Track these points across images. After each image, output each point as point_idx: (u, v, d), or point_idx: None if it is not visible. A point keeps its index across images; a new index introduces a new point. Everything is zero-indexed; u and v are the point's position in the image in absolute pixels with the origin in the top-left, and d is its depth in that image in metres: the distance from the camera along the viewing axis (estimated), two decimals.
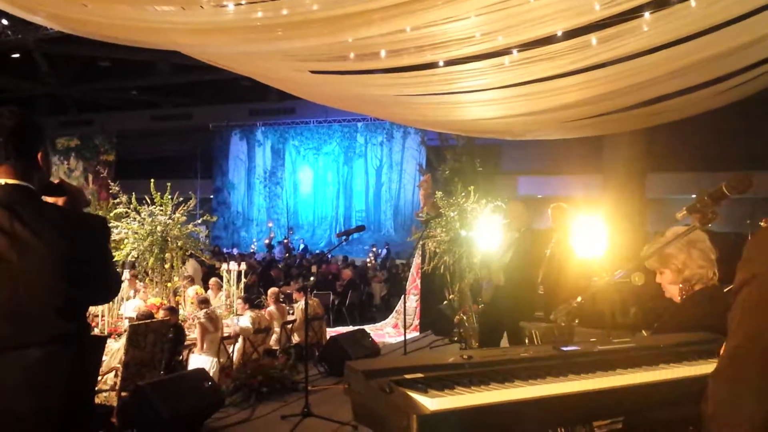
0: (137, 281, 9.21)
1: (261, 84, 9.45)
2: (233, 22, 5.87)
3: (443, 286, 10.33)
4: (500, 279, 6.38)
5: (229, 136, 28.14)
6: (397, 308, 12.33)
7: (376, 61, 7.04)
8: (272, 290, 9.86)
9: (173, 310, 7.58)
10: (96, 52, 20.56)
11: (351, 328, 11.17)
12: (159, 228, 8.24)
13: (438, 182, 13.56)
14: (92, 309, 7.61)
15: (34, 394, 2.10)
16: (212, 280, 10.31)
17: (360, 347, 8.28)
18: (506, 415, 1.80)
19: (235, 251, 22.95)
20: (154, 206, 8.33)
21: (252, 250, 24.15)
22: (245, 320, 8.38)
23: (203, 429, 5.91)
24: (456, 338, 9.63)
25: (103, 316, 7.96)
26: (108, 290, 2.48)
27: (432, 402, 1.68)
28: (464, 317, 9.26)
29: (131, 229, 8.17)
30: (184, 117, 27.89)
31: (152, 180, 8.54)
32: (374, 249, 22.74)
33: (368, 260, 20.41)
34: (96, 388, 5.55)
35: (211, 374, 6.71)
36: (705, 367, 2.10)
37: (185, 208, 8.52)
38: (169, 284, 8.52)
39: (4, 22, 17.26)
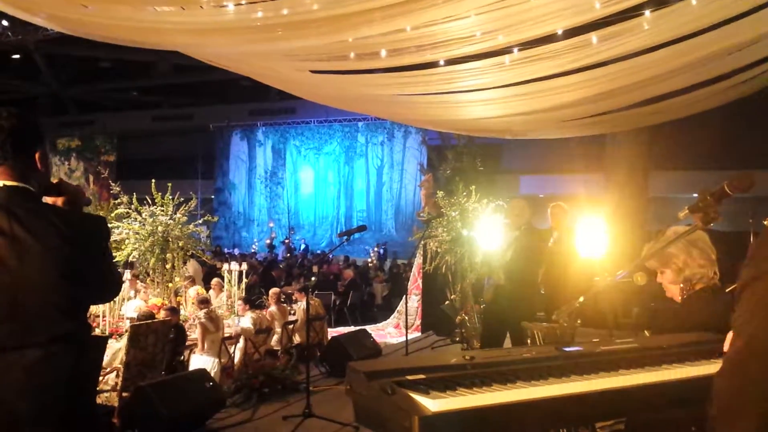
0: (138, 281, 9.21)
1: (261, 84, 9.44)
2: (233, 22, 5.86)
3: (445, 286, 10.31)
4: (500, 278, 6.37)
5: (230, 137, 28.15)
6: (398, 308, 12.32)
7: (377, 61, 7.03)
8: (273, 290, 9.85)
9: (174, 311, 7.58)
10: (96, 53, 20.59)
11: (352, 328, 11.17)
12: (160, 228, 8.24)
13: (439, 182, 13.55)
14: (93, 309, 7.61)
15: (35, 394, 2.10)
16: (214, 281, 10.31)
17: (361, 348, 8.28)
18: (508, 417, 1.80)
19: (236, 251, 22.97)
20: (155, 207, 8.33)
21: (253, 250, 24.15)
22: (246, 321, 8.38)
23: (204, 429, 5.90)
24: (458, 338, 9.61)
25: (104, 316, 7.95)
26: (108, 290, 2.48)
27: (434, 403, 1.68)
28: (466, 317, 9.25)
29: (132, 229, 8.17)
30: (185, 117, 27.91)
31: (153, 180, 8.54)
32: (376, 249, 22.74)
33: (369, 260, 20.40)
34: (97, 389, 5.54)
35: (212, 374, 6.70)
36: (708, 367, 2.10)
37: (186, 208, 8.52)
38: (170, 284, 8.52)
39: (5, 23, 17.27)
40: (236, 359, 8.08)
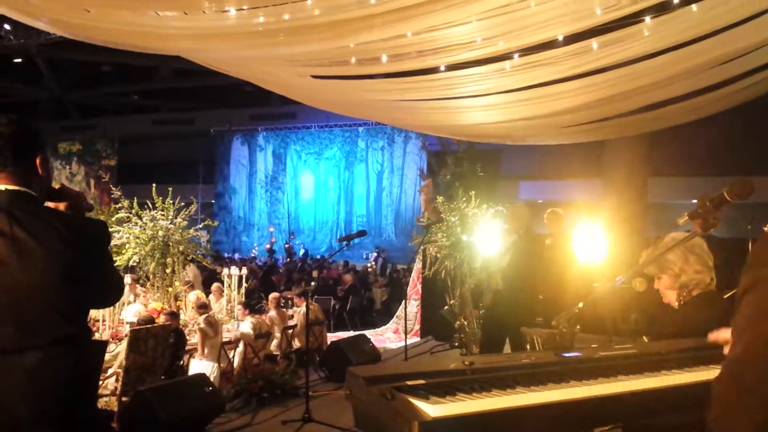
0: (138, 286, 9.21)
1: (262, 89, 9.47)
2: (235, 27, 5.88)
3: (444, 291, 10.31)
4: (498, 283, 6.38)
5: (231, 141, 28.18)
6: (397, 313, 12.30)
7: (378, 66, 7.05)
8: (273, 295, 9.85)
9: (174, 315, 7.58)
10: (98, 57, 20.63)
11: (352, 333, 11.16)
12: (160, 233, 8.25)
13: (439, 187, 13.57)
14: (93, 313, 7.61)
15: (35, 397, 2.10)
16: (214, 286, 10.31)
17: (361, 352, 8.27)
18: (508, 422, 1.80)
19: (236, 256, 22.96)
20: (155, 211, 8.34)
21: (253, 255, 24.15)
22: (246, 325, 8.37)
23: None
24: (457, 344, 9.61)
25: (103, 320, 7.96)
26: (110, 294, 2.49)
27: (433, 408, 1.68)
28: (465, 322, 9.25)
29: (133, 233, 8.18)
30: (186, 122, 27.95)
31: (154, 185, 8.55)
32: (376, 254, 22.72)
33: (369, 265, 20.39)
34: (97, 393, 5.54)
35: (211, 379, 6.70)
36: (706, 373, 2.10)
37: (187, 212, 8.53)
38: (170, 289, 8.53)
39: (7, 27, 17.32)
40: (235, 364, 8.07)
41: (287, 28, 5.80)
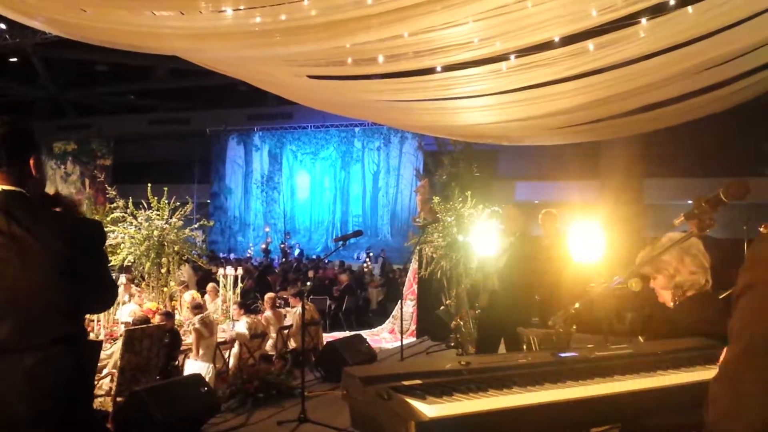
0: (133, 286, 9.19)
1: (259, 89, 9.46)
2: (232, 27, 5.88)
3: (440, 291, 10.31)
4: (494, 283, 6.38)
5: (227, 141, 28.14)
6: (393, 313, 12.30)
7: (374, 67, 7.05)
8: (269, 295, 9.83)
9: (169, 315, 7.57)
10: (94, 56, 20.59)
11: (348, 333, 11.15)
12: (156, 233, 8.23)
13: (435, 187, 13.54)
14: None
15: (34, 397, 2.12)
16: (209, 286, 10.29)
17: (357, 352, 8.26)
18: (505, 422, 1.80)
19: (231, 256, 22.93)
20: (151, 211, 8.32)
21: (248, 255, 24.13)
22: (241, 325, 8.36)
23: None
24: (453, 344, 9.61)
25: (98, 320, 7.93)
26: (106, 295, 2.50)
27: (430, 409, 1.68)
28: (461, 323, 9.25)
29: (128, 233, 8.16)
30: (182, 121, 27.89)
31: (149, 184, 8.54)
32: (367, 254, 22.72)
33: (365, 265, 20.39)
34: (93, 393, 5.52)
35: (207, 380, 6.68)
36: (703, 374, 2.11)
37: (182, 212, 8.51)
38: (165, 289, 8.51)
39: (2, 26, 17.25)
40: (231, 364, 8.06)
41: (284, 28, 5.80)
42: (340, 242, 7.15)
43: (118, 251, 8.08)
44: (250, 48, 6.50)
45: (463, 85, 7.48)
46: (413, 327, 11.23)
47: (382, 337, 11.66)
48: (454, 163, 15.23)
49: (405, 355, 8.40)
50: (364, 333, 10.61)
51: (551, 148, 13.79)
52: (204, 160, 28.07)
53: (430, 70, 7.32)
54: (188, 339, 7.84)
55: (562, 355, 2.19)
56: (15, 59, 21.76)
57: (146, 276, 8.43)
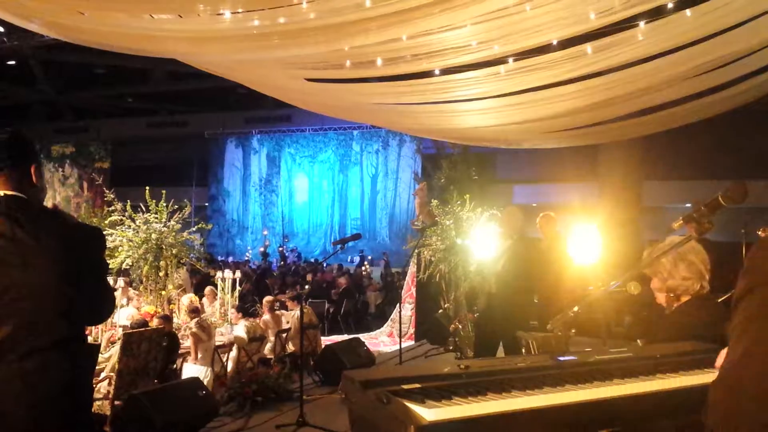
0: (130, 289, 9.18)
1: (257, 92, 9.46)
2: (230, 30, 5.87)
3: (438, 294, 10.31)
4: (492, 286, 6.37)
5: (225, 144, 28.13)
6: (392, 317, 12.30)
7: (373, 70, 7.04)
8: (267, 299, 9.83)
9: (167, 319, 7.56)
10: (92, 59, 20.53)
11: (346, 336, 11.14)
12: (154, 236, 8.22)
13: (433, 190, 13.57)
14: None
15: (33, 402, 2.13)
16: (207, 289, 10.28)
17: (355, 356, 8.25)
18: (504, 426, 1.80)
19: (230, 259, 22.91)
20: (149, 214, 8.31)
21: (246, 258, 24.11)
22: (240, 329, 8.35)
23: None
24: (451, 347, 9.61)
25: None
26: (104, 302, 2.51)
27: (429, 412, 1.68)
28: (460, 326, 9.25)
29: (126, 236, 8.15)
30: (180, 124, 27.84)
31: (147, 187, 8.53)
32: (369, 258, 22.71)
33: (363, 268, 20.37)
34: (92, 396, 5.52)
35: (205, 383, 6.67)
36: (702, 377, 2.10)
37: (180, 215, 8.50)
38: (163, 292, 8.50)
39: (0, 29, 17.25)
40: (229, 368, 8.05)
41: (282, 31, 5.80)
42: (339, 245, 7.15)
43: (116, 254, 8.07)
44: (248, 51, 6.49)
45: (461, 88, 7.48)
46: (412, 330, 11.22)
47: (381, 341, 11.65)
48: (453, 166, 15.26)
49: (404, 358, 8.39)
50: (363, 336, 10.60)
51: (549, 150, 13.79)
52: (202, 163, 28.05)
53: (428, 73, 7.32)
54: (186, 342, 7.83)
55: (562, 358, 2.19)
56: (13, 62, 21.72)
57: (144, 279, 8.42)
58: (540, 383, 1.95)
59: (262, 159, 27.93)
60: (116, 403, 5.97)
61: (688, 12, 5.70)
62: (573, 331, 2.46)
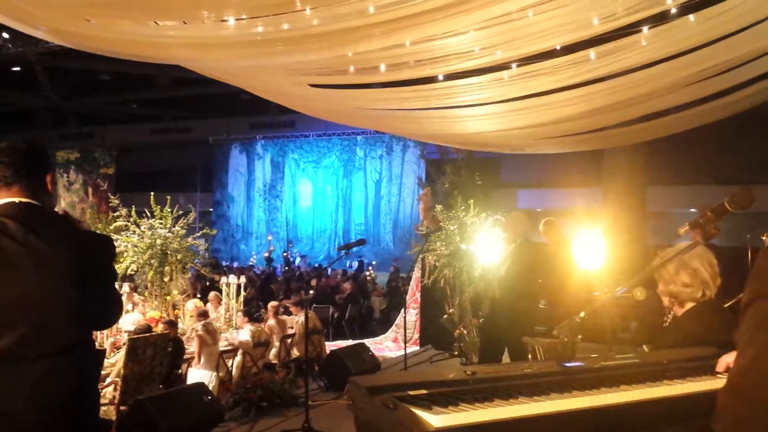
0: (135, 295, 9.20)
1: (261, 97, 9.48)
2: (234, 36, 5.89)
3: (443, 299, 10.31)
4: (496, 292, 6.37)
5: (229, 150, 28.17)
6: (397, 322, 12.29)
7: (376, 75, 7.06)
8: (272, 304, 9.84)
9: (172, 324, 7.57)
10: (96, 66, 20.62)
11: (350, 342, 11.14)
12: (158, 241, 8.24)
13: (438, 195, 13.55)
14: None
15: (42, 406, 2.18)
16: (211, 294, 10.29)
17: (360, 361, 8.25)
18: None
19: (235, 264, 22.91)
20: (153, 219, 8.33)
21: (251, 263, 24.12)
22: (245, 334, 8.36)
23: None
24: (456, 353, 9.60)
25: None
26: (112, 308, 2.56)
27: (436, 419, 1.68)
28: (465, 331, 9.24)
29: (131, 242, 8.18)
30: (184, 130, 27.90)
31: (152, 193, 8.55)
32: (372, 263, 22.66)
33: (368, 273, 20.34)
34: (99, 401, 5.54)
35: (210, 388, 6.68)
36: (710, 383, 2.10)
37: (185, 221, 8.52)
38: (168, 297, 8.51)
39: (5, 35, 17.33)
40: (234, 373, 8.05)
41: (286, 37, 5.81)
42: (344, 251, 7.15)
43: (121, 260, 8.09)
44: (252, 57, 6.51)
45: (464, 94, 7.48)
46: (416, 336, 11.21)
47: (386, 346, 11.65)
48: (457, 171, 15.23)
49: (408, 364, 8.38)
50: (368, 342, 10.60)
51: (553, 155, 13.77)
52: (206, 168, 28.10)
53: (431, 79, 7.33)
54: (191, 347, 7.84)
55: (568, 364, 2.19)
56: (18, 68, 21.81)
57: (149, 285, 8.43)
58: (547, 389, 1.95)
59: (266, 164, 27.96)
60: (122, 408, 5.97)
61: (691, 17, 5.69)
62: (579, 337, 2.46)
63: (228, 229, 27.66)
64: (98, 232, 2.79)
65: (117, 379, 6.30)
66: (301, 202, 27.59)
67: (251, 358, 8.21)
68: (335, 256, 23.16)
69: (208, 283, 12.20)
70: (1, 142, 2.43)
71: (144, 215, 8.38)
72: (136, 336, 6.59)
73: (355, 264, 22.22)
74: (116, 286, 2.73)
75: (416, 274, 11.34)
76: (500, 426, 1.76)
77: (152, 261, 8.27)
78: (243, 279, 10.36)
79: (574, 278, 5.98)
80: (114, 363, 6.72)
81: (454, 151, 15.20)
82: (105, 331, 7.95)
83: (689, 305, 2.84)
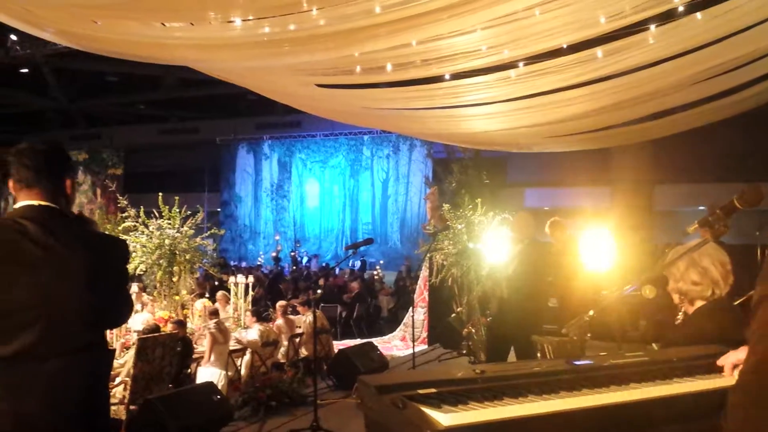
0: (144, 294, 9.23)
1: (268, 98, 9.50)
2: (241, 37, 5.91)
3: (451, 298, 10.30)
4: (503, 291, 6.36)
5: (236, 150, 28.21)
6: (404, 321, 12.30)
7: (383, 75, 7.06)
8: (280, 303, 9.86)
9: (181, 324, 7.60)
10: (104, 67, 20.69)
11: (359, 341, 11.15)
12: (167, 241, 8.27)
13: (445, 195, 13.55)
14: None
15: (55, 402, 2.22)
16: (219, 294, 10.32)
17: (368, 360, 8.26)
18: (520, 431, 1.80)
19: (243, 264, 22.95)
20: (162, 220, 8.36)
21: (259, 263, 24.16)
22: (253, 333, 8.39)
23: None
24: (465, 351, 9.59)
25: (111, 329, 7.96)
26: (123, 308, 2.61)
27: (446, 417, 1.68)
28: (473, 330, 9.23)
29: (139, 242, 8.21)
30: (192, 131, 27.96)
31: (160, 194, 8.58)
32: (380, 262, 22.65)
33: (375, 273, 20.35)
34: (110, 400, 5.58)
35: (219, 387, 6.70)
36: (719, 381, 2.10)
37: (193, 221, 8.55)
38: (176, 297, 8.54)
39: (13, 37, 17.43)
40: (243, 372, 8.08)
41: (292, 38, 5.83)
42: (351, 250, 7.16)
43: (130, 260, 8.11)
44: (258, 58, 6.53)
45: (471, 93, 7.48)
46: (424, 334, 11.22)
47: (394, 345, 11.67)
48: (464, 170, 15.22)
49: (417, 362, 8.39)
50: (376, 341, 10.61)
51: (561, 154, 13.74)
52: (214, 169, 28.15)
53: (438, 78, 7.33)
54: (200, 347, 7.86)
55: (577, 363, 2.18)
56: (26, 70, 21.91)
57: (158, 285, 8.46)
58: (556, 388, 1.95)
59: (274, 164, 27.99)
60: (131, 408, 6.00)
61: (698, 15, 5.68)
62: (588, 335, 2.46)
63: (236, 229, 27.71)
64: (113, 235, 2.84)
65: (126, 378, 6.32)
66: (308, 201, 27.62)
67: (260, 358, 8.24)
68: (342, 256, 23.18)
69: (216, 283, 12.25)
70: (22, 143, 2.45)
71: (152, 215, 8.41)
72: (145, 336, 6.62)
73: (358, 264, 22.20)
74: (128, 288, 2.79)
75: (424, 272, 11.35)
76: (510, 424, 1.76)
77: (161, 261, 8.29)
78: (251, 279, 10.40)
79: (582, 277, 5.97)
80: (123, 363, 6.76)
81: (461, 150, 15.20)
82: (114, 332, 7.99)
83: (699, 303, 2.84)
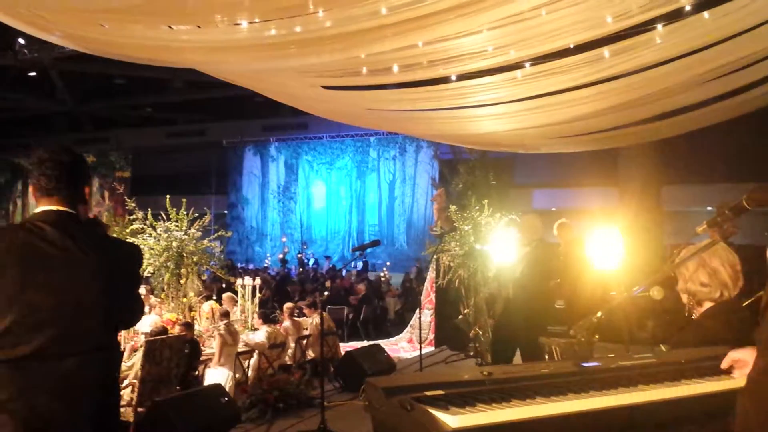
0: (152, 297, 9.25)
1: (274, 100, 9.51)
2: (247, 39, 5.92)
3: (458, 300, 10.27)
4: (510, 292, 6.35)
5: (243, 152, 28.28)
6: (411, 323, 12.28)
7: (389, 76, 7.06)
8: (288, 305, 9.87)
9: (189, 326, 7.61)
10: (111, 70, 20.75)
11: (365, 342, 11.14)
12: (174, 243, 8.29)
13: (452, 196, 13.54)
14: None
15: (68, 402, 2.28)
16: (226, 296, 10.33)
17: (375, 362, 8.25)
18: None
19: (250, 266, 22.99)
20: (169, 222, 8.38)
21: (266, 265, 24.20)
22: (260, 335, 8.39)
23: None
24: (472, 353, 9.57)
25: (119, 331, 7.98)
26: (135, 311, 2.71)
27: (454, 419, 1.68)
28: (480, 332, 9.21)
29: (147, 244, 8.22)
30: (199, 133, 28.06)
31: (168, 196, 8.59)
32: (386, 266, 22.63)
33: (382, 275, 20.34)
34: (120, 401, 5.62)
35: (226, 388, 6.71)
36: (728, 383, 2.08)
37: (201, 223, 8.57)
38: (184, 299, 8.55)
39: (21, 41, 17.52)
40: (250, 374, 8.08)
41: (299, 40, 5.84)
42: (358, 252, 7.16)
43: (142, 264, 8.12)
44: (265, 60, 6.54)
45: (478, 94, 7.47)
46: (431, 336, 11.20)
47: (401, 347, 11.65)
48: (470, 171, 15.22)
49: (424, 364, 8.38)
50: (383, 342, 10.60)
51: (568, 155, 13.72)
52: (221, 171, 28.24)
53: (444, 79, 7.32)
54: (207, 350, 7.87)
55: (585, 364, 2.18)
56: (34, 74, 22.02)
57: (165, 287, 8.48)
58: (564, 389, 1.94)
59: (280, 166, 28.05)
60: (139, 410, 6.01)
61: (706, 14, 5.65)
62: (596, 336, 2.44)
63: (243, 231, 27.78)
64: (128, 241, 2.95)
65: (134, 381, 6.34)
66: (314, 203, 27.66)
67: (267, 360, 8.24)
68: (349, 258, 23.19)
69: (224, 285, 12.26)
70: (42, 151, 2.51)
71: (160, 218, 8.43)
72: (153, 338, 6.63)
73: (360, 265, 22.15)
74: (139, 291, 2.85)
75: (431, 274, 11.33)
76: (518, 426, 1.76)
77: (168, 263, 8.31)
78: (258, 281, 10.40)
79: (590, 278, 5.95)
80: (131, 365, 6.77)
81: (468, 151, 15.19)
82: (123, 334, 8.00)
83: (708, 305, 2.82)
